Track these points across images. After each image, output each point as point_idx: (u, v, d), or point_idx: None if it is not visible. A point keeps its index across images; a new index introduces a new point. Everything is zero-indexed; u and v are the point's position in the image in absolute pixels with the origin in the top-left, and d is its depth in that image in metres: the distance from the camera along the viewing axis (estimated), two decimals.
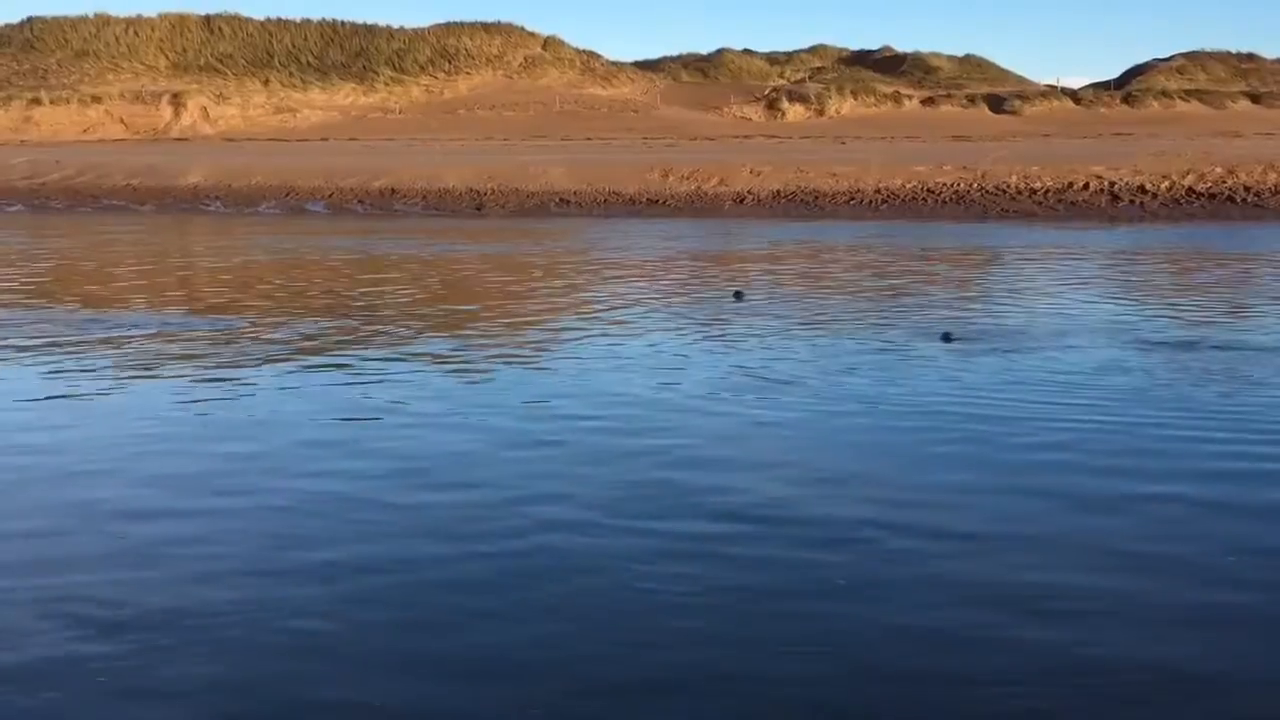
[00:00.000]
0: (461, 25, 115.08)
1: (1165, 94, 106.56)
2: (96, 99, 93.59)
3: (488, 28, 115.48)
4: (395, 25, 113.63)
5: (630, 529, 7.83)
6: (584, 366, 13.52)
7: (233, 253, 28.92)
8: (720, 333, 15.66)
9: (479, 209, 43.14)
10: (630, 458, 9.58)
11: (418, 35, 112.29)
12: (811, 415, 11.05)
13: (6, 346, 14.70)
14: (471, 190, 45.26)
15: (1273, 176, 38.72)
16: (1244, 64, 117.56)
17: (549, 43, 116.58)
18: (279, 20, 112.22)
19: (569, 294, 20.82)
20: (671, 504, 8.37)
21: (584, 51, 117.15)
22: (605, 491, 8.66)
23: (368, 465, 9.40)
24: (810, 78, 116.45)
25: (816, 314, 17.39)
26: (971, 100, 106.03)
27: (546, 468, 9.30)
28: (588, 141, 73.41)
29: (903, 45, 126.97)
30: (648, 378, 12.68)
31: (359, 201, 45.22)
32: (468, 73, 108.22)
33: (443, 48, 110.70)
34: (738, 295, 19.22)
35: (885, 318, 16.93)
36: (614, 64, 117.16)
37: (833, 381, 12.47)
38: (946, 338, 14.84)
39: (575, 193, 43.75)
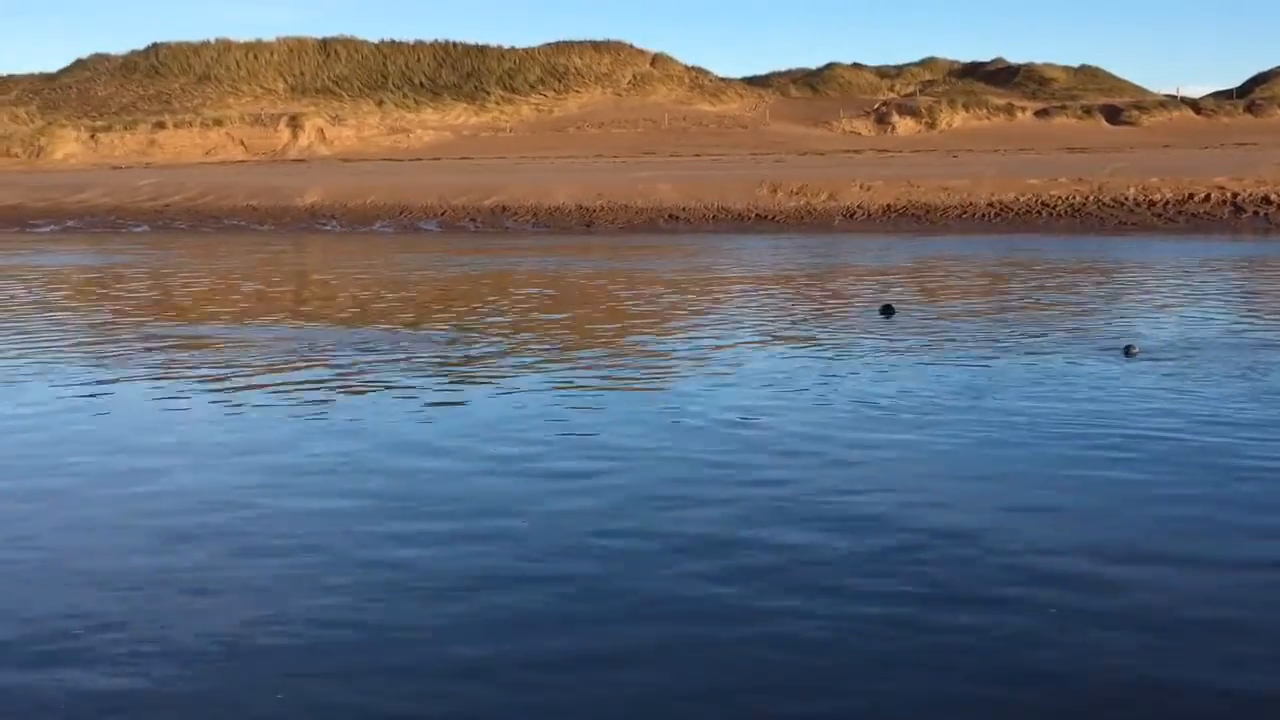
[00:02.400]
0: (571, 44, 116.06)
1: None
2: (218, 122, 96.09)
3: (597, 46, 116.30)
4: (506, 45, 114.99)
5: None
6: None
7: (397, 268, 29.48)
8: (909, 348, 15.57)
9: (588, 226, 43.42)
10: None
11: (528, 55, 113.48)
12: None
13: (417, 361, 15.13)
14: (581, 207, 45.58)
15: None
16: None
17: (657, 60, 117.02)
18: (393, 42, 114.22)
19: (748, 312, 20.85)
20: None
21: (692, 68, 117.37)
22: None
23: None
24: (921, 91, 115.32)
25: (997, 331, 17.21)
26: (1087, 111, 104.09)
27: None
28: (696, 158, 73.49)
29: (1015, 56, 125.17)
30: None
31: (470, 219, 45.79)
32: (577, 91, 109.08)
33: (552, 66, 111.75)
34: (886, 310, 18.81)
35: (1076, 333, 16.72)
36: (722, 80, 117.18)
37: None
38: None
39: (684, 209, 43.82)
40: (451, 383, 13.86)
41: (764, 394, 12.80)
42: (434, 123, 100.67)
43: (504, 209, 46.59)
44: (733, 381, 13.60)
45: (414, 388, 13.34)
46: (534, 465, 9.95)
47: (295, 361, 15.25)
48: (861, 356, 15.04)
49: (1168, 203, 38.75)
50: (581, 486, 9.31)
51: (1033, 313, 19.14)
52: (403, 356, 15.38)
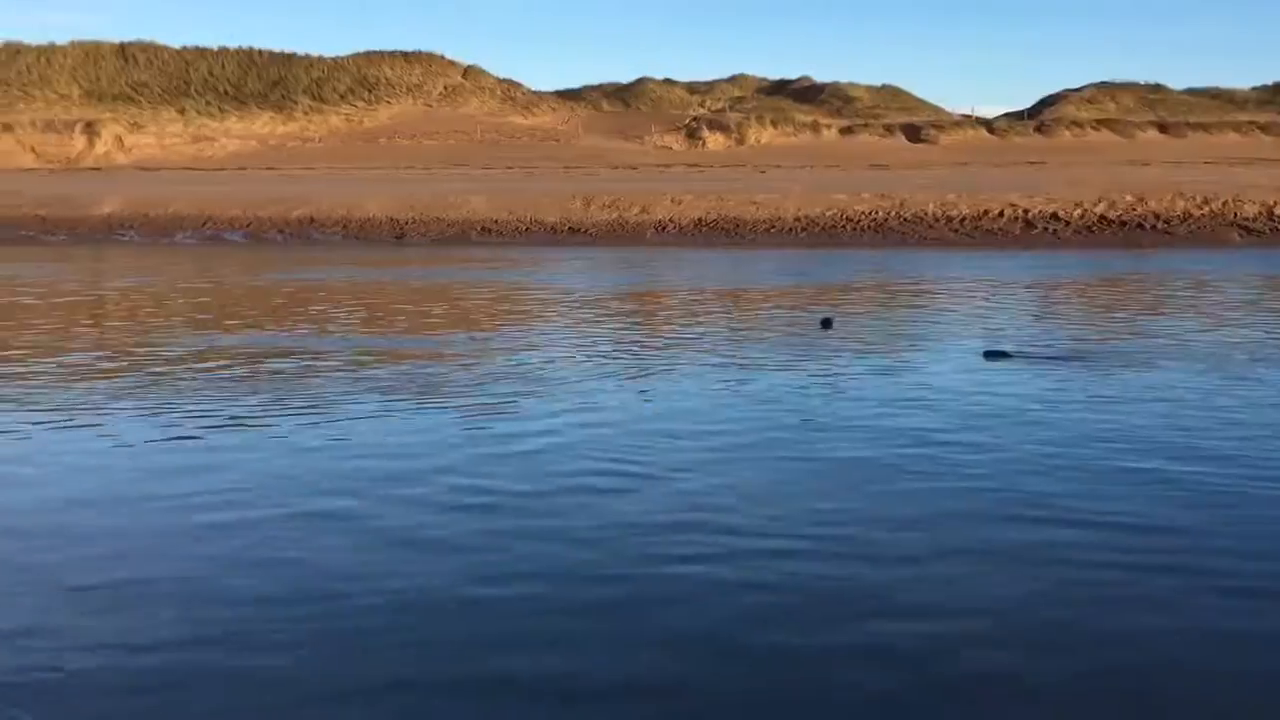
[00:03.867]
0: (381, 54, 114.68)
1: (1077, 123, 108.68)
2: (7, 128, 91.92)
3: (408, 57, 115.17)
4: (314, 54, 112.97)
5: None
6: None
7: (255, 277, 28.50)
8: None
9: (400, 238, 42.89)
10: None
11: (337, 64, 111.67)
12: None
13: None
14: (392, 219, 45.00)
15: (1181, 204, 39.62)
16: (1152, 95, 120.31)
17: (469, 72, 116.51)
18: (196, 49, 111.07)
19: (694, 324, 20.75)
20: None
21: (505, 81, 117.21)
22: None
23: None
24: (730, 107, 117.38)
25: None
26: (889, 129, 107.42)
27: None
28: (509, 170, 73.35)
29: (821, 75, 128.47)
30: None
31: (278, 231, 44.76)
32: (388, 101, 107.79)
33: (362, 76, 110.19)
34: (826, 323, 18.99)
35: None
36: (535, 93, 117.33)
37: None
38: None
39: (496, 221, 43.65)
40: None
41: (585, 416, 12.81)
42: (239, 132, 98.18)
43: (313, 220, 45.68)
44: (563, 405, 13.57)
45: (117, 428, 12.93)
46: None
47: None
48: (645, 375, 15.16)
49: (965, 218, 40.20)
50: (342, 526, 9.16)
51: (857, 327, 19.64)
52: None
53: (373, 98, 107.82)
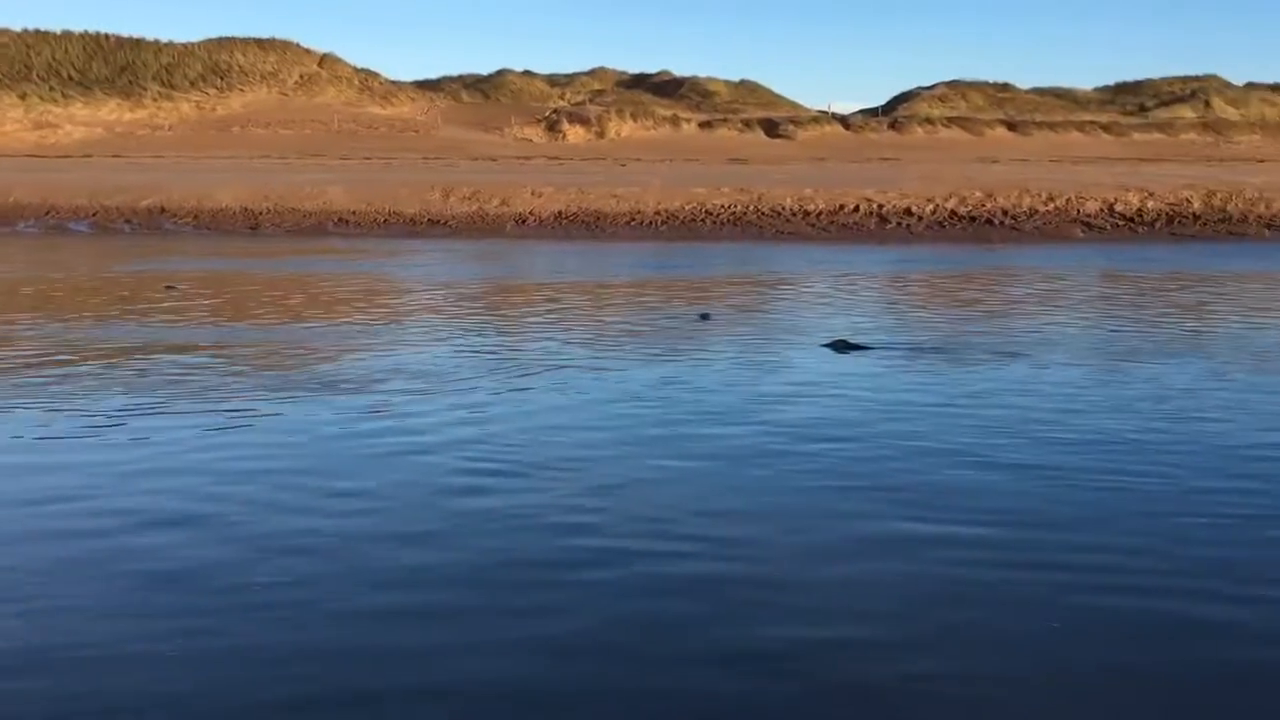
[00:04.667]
0: (234, 40, 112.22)
1: (929, 121, 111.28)
2: None
3: (261, 43, 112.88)
4: (164, 39, 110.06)
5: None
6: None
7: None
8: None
9: (254, 229, 42.03)
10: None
11: (187, 50, 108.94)
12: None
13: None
14: (246, 209, 44.06)
15: (1027, 201, 40.82)
16: (1000, 93, 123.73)
17: (326, 60, 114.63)
18: (37, 31, 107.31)
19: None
20: None
21: (362, 70, 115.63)
22: None
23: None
24: (590, 100, 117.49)
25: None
26: (748, 124, 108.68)
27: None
28: (367, 161, 72.37)
29: (680, 69, 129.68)
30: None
31: (125, 221, 43.49)
32: (241, 89, 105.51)
33: (214, 63, 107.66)
34: (704, 317, 19.20)
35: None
36: (393, 83, 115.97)
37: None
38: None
39: (354, 212, 43.04)
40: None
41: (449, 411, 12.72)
42: (85, 118, 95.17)
43: (163, 210, 44.48)
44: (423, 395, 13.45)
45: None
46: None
47: None
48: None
49: (821, 213, 40.86)
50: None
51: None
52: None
53: (225, 85, 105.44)
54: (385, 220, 42.28)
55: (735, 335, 17.48)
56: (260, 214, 43.58)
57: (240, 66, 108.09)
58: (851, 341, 16.06)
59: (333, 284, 25.27)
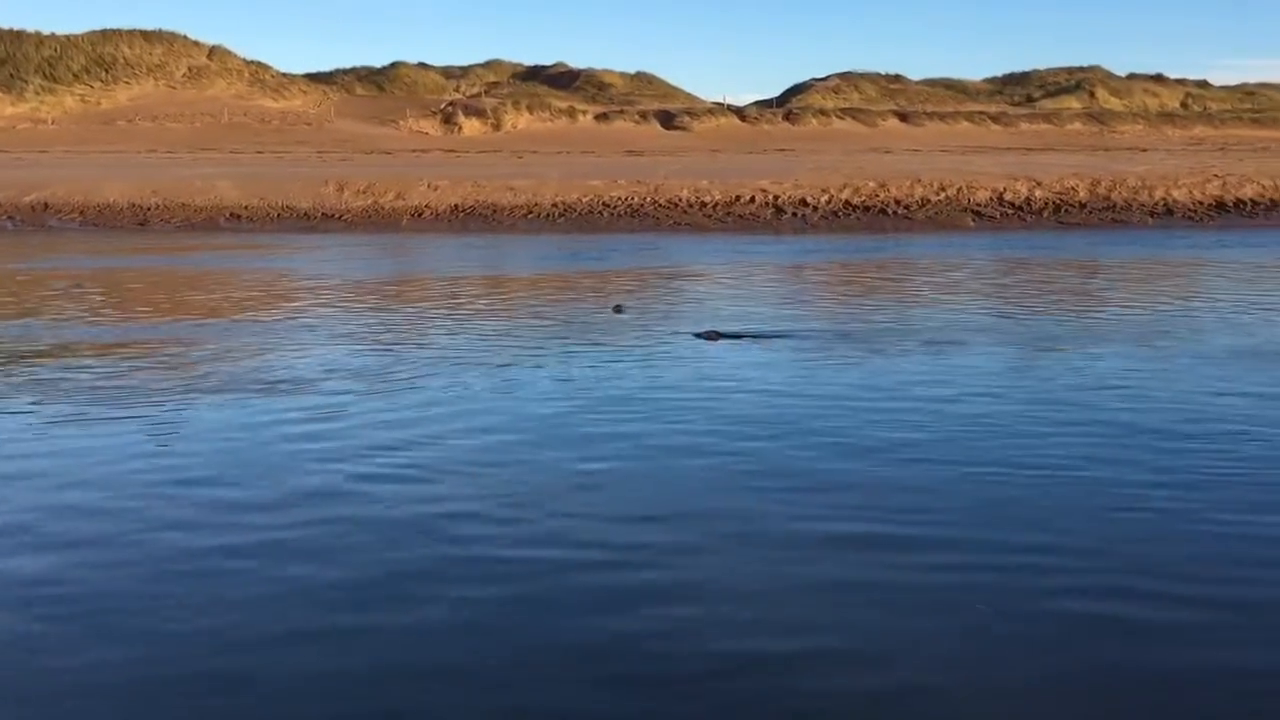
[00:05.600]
0: (119, 32, 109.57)
1: (823, 112, 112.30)
2: None
3: (148, 35, 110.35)
4: (45, 31, 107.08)
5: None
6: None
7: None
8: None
9: (143, 224, 41.19)
10: None
11: (70, 42, 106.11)
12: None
13: None
14: (134, 205, 43.15)
15: (919, 190, 41.46)
16: (892, 85, 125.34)
17: (215, 52, 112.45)
18: None
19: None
20: None
21: (253, 62, 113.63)
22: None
23: None
24: (486, 92, 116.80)
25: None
26: (644, 116, 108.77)
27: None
28: (259, 155, 71.23)
29: (576, 61, 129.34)
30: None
31: (8, 218, 42.36)
32: (127, 82, 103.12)
33: (99, 56, 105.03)
34: (618, 309, 19.21)
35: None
36: (285, 75, 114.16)
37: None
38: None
39: (246, 207, 42.39)
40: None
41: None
42: None
43: (47, 206, 43.40)
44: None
45: None
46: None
47: None
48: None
49: (717, 204, 41.11)
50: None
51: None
52: None
53: (110, 78, 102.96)
54: (279, 215, 41.70)
55: (648, 326, 17.53)
56: (149, 209, 42.72)
57: (126, 59, 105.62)
58: (722, 331, 16.26)
59: (228, 281, 24.90)
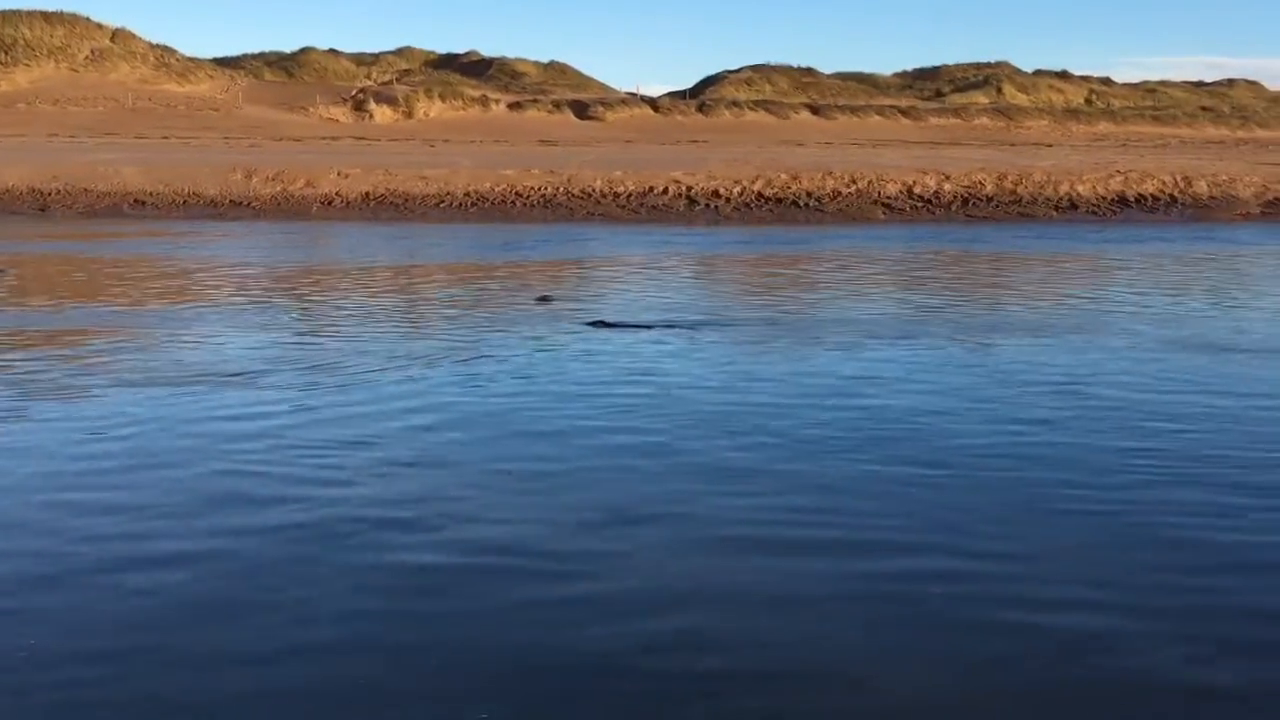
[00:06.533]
0: (18, 14, 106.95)
1: (736, 104, 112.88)
2: None
3: (48, 16, 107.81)
4: None
5: None
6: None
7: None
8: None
9: (43, 210, 40.24)
10: None
11: None
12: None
13: None
14: (34, 190, 42.13)
15: (831, 183, 41.79)
16: (805, 78, 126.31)
17: (118, 35, 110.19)
18: None
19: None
20: None
21: (158, 46, 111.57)
22: None
23: None
24: (398, 80, 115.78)
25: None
26: (557, 106, 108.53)
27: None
28: (165, 140, 69.97)
29: (489, 50, 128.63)
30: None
31: None
32: (26, 64, 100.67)
33: None
34: (544, 299, 19.00)
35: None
36: (191, 60, 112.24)
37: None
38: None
39: (152, 194, 41.57)
40: None
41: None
42: None
43: None
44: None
45: None
46: None
47: None
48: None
49: (631, 195, 41.10)
50: None
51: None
52: None
53: (10, 60, 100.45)
54: (185, 202, 40.97)
55: (562, 317, 17.45)
56: (49, 195, 41.73)
57: (26, 40, 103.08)
58: (609, 321, 16.33)
59: (130, 269, 24.41)
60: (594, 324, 16.25)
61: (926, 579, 7.15)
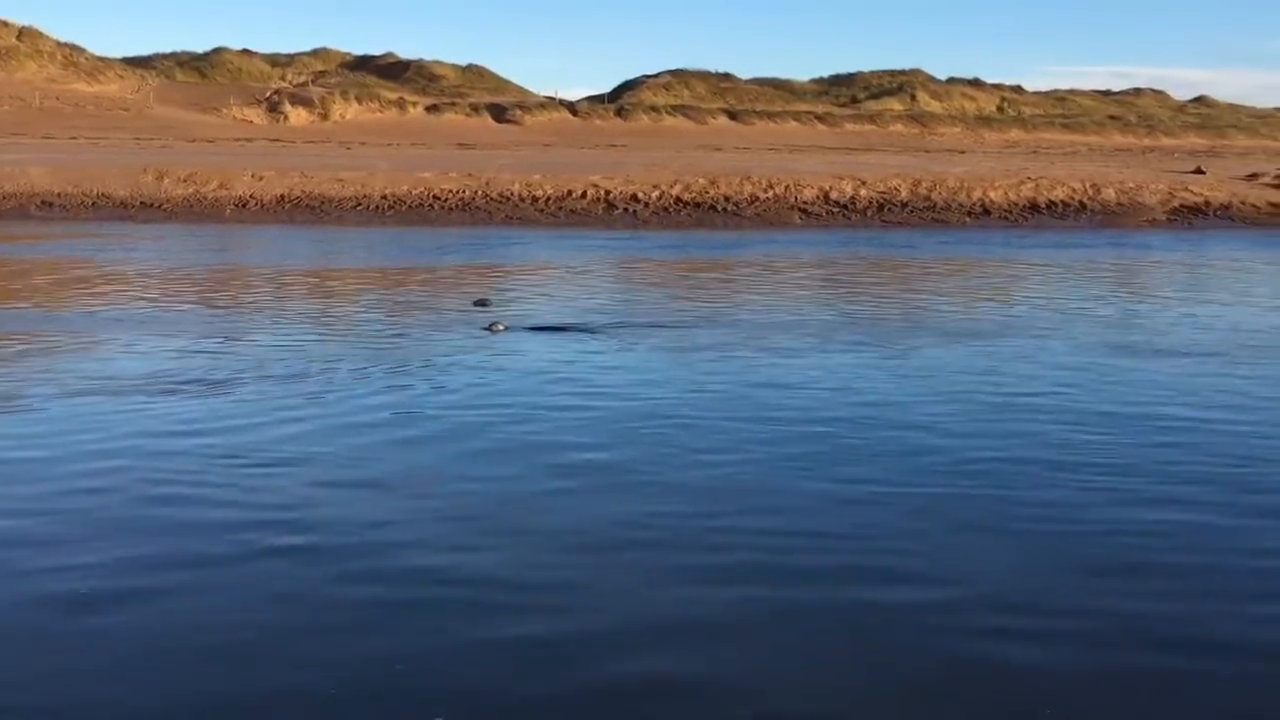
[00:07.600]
0: None
1: (654, 109, 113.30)
2: None
3: None
4: None
5: None
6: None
7: None
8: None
9: None
10: None
11: None
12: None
13: None
14: None
15: (749, 188, 42.05)
16: (722, 83, 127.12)
17: (25, 33, 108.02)
18: None
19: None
20: None
21: (66, 44, 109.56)
22: None
23: None
24: (313, 81, 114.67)
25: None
26: (475, 109, 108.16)
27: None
28: (73, 140, 68.68)
29: (406, 52, 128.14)
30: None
31: None
32: None
33: None
34: (482, 303, 18.67)
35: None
36: (101, 59, 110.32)
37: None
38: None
39: (60, 195, 40.74)
40: None
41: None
42: None
43: None
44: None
45: None
46: None
47: None
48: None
49: (550, 198, 41.04)
50: None
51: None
52: None
53: None
54: (94, 203, 40.21)
55: (476, 321, 17.37)
56: None
57: None
58: (499, 327, 16.17)
59: (35, 272, 23.91)
60: (488, 328, 16.14)
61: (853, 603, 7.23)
